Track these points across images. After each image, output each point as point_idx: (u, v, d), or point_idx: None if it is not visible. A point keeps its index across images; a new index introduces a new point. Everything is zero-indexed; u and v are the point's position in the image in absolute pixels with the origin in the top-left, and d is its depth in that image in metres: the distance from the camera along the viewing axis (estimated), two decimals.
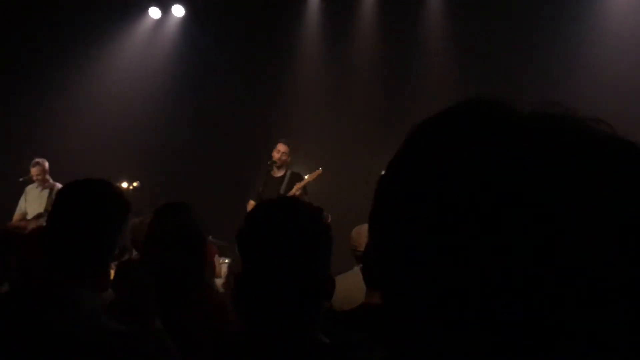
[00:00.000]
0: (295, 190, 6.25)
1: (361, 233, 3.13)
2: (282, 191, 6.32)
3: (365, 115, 7.74)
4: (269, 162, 6.47)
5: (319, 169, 6.41)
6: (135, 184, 7.92)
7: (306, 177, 6.40)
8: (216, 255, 4.94)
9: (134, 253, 3.52)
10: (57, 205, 1.63)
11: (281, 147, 6.43)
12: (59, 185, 6.53)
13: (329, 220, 5.69)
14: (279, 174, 6.47)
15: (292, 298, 1.28)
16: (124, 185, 7.81)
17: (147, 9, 8.76)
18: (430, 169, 0.44)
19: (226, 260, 5.73)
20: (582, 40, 7.07)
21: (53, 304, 1.43)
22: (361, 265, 2.77)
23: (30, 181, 7.01)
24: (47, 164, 6.96)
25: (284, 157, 6.42)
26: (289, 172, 6.46)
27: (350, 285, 2.74)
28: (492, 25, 7.36)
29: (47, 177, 6.93)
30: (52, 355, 1.37)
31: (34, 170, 6.90)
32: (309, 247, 1.30)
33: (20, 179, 7.06)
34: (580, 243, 0.39)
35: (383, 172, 0.50)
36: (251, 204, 6.27)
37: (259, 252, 1.32)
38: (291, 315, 1.29)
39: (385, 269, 0.47)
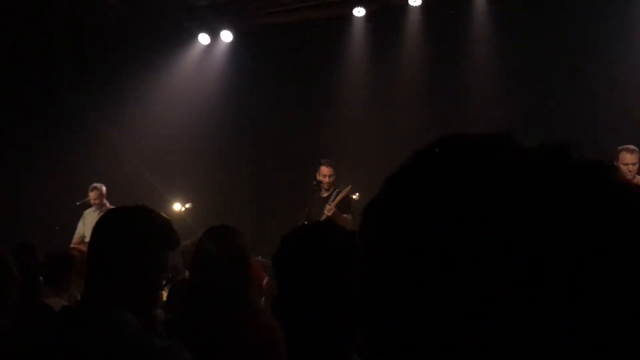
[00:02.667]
0: (328, 211, 6.23)
1: None
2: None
3: (411, 135, 7.70)
4: (314, 183, 6.50)
5: (348, 186, 6.36)
6: (187, 205, 8.07)
7: (337, 197, 6.33)
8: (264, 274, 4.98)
9: (186, 274, 3.61)
10: (94, 232, 1.68)
11: (324, 170, 6.41)
12: None
13: None
14: (325, 194, 6.47)
15: (325, 320, 1.29)
16: (177, 207, 7.98)
17: (197, 35, 9.03)
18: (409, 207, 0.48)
19: None
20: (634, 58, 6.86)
21: (97, 323, 1.50)
22: None
23: (88, 205, 7.23)
24: (104, 189, 7.17)
25: (328, 179, 6.39)
26: (335, 192, 6.43)
27: None
28: (540, 41, 7.24)
29: (105, 201, 7.12)
30: None
31: (92, 195, 7.12)
32: (341, 270, 1.30)
33: (77, 203, 7.29)
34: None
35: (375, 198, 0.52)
36: None
37: (292, 275, 1.35)
38: (324, 337, 1.30)
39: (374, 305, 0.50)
